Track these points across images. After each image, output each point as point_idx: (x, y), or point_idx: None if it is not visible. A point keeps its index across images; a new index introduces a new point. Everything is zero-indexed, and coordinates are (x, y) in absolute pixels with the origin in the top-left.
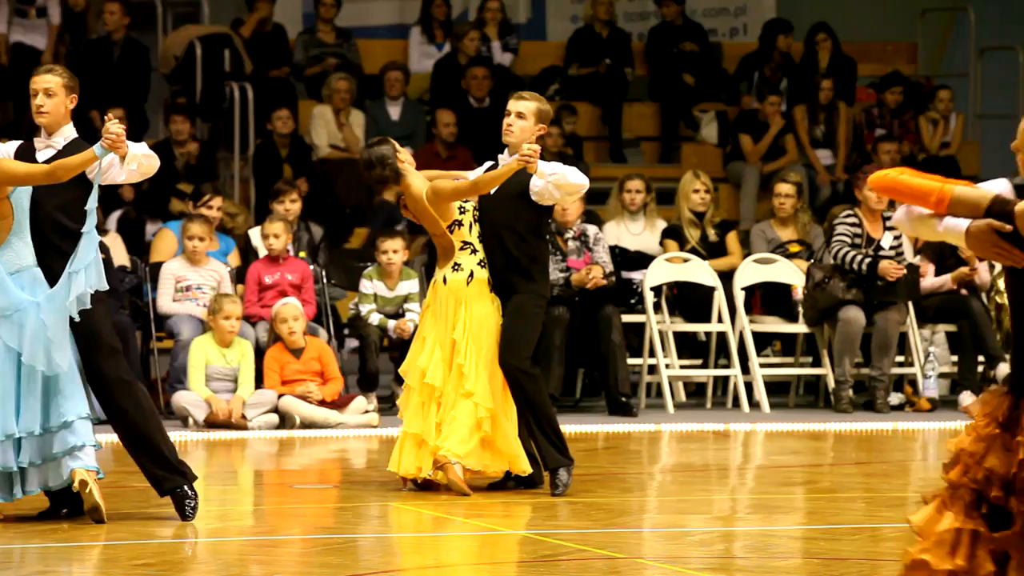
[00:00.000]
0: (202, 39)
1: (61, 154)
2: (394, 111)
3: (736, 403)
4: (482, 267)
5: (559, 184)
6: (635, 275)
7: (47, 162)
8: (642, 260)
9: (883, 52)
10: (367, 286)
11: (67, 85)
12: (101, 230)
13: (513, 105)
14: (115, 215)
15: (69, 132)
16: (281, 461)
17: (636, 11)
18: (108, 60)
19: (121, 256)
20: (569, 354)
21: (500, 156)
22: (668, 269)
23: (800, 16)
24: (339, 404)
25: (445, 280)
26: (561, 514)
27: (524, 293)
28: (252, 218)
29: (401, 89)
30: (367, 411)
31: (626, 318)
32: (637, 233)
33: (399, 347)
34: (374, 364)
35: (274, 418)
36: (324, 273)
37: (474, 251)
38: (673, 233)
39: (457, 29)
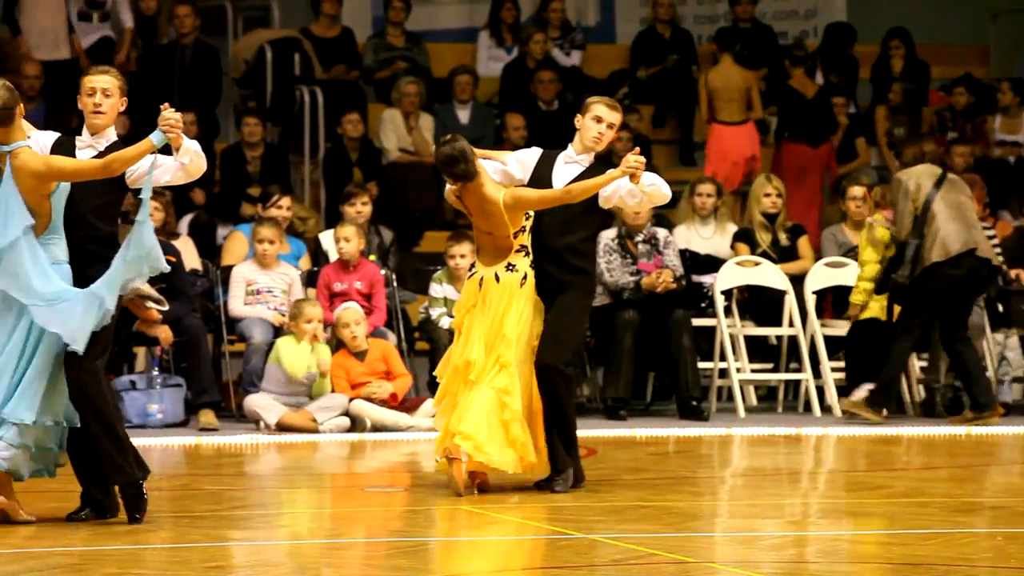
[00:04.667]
0: (272, 43)
1: (103, 155)
2: (463, 114)
3: (807, 407)
4: (532, 268)
5: (653, 194)
6: (705, 279)
7: None
8: (712, 264)
9: (955, 55)
10: (437, 290)
11: (122, 87)
12: (173, 233)
13: (607, 114)
14: (186, 219)
15: (111, 135)
16: (352, 464)
17: (706, 13)
18: (179, 64)
19: (192, 259)
20: (639, 357)
21: (565, 153)
22: (739, 273)
23: (871, 19)
24: (409, 407)
25: (498, 278)
26: (631, 518)
27: (575, 290)
28: (323, 222)
29: (470, 92)
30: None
31: (696, 322)
32: (707, 237)
33: None
34: None
35: (345, 421)
36: (394, 277)
37: (528, 253)
38: (744, 237)
39: (524, 32)
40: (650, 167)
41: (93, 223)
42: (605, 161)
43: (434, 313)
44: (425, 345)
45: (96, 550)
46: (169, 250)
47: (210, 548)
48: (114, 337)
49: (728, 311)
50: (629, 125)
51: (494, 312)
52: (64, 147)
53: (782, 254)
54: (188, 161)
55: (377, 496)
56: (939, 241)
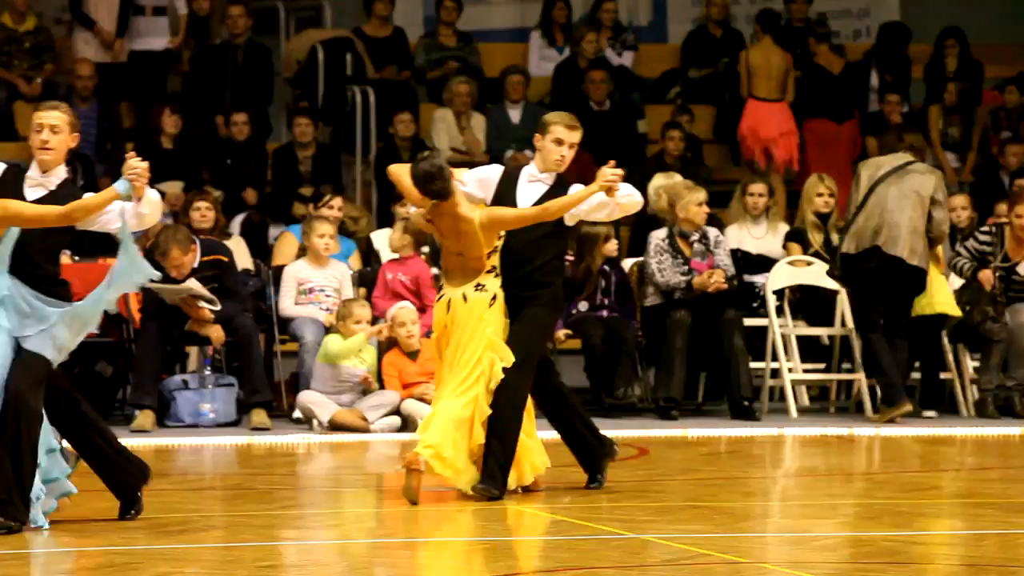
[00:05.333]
0: (324, 43)
1: (54, 194)
2: (515, 114)
3: (860, 407)
4: (502, 290)
5: (628, 205)
6: (757, 279)
7: (38, 202)
8: (764, 263)
9: (1009, 54)
10: None
11: (72, 123)
12: (224, 233)
13: (567, 135)
14: (238, 219)
15: (61, 172)
16: None
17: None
18: (231, 64)
19: (244, 259)
20: (691, 357)
21: (528, 171)
22: (791, 273)
23: (925, 17)
24: None
25: (465, 298)
26: (683, 518)
27: (539, 303)
28: (374, 222)
29: (522, 92)
30: None
31: (748, 321)
32: (759, 237)
33: None
34: None
35: (396, 420)
36: None
37: (497, 274)
38: (796, 236)
39: (576, 33)
40: (702, 167)
41: (40, 263)
42: (569, 179)
43: None
44: None
45: (149, 549)
46: (220, 250)
47: (262, 548)
48: (167, 336)
49: (780, 311)
50: (681, 125)
51: (461, 332)
52: (11, 180)
53: (834, 254)
54: (148, 211)
55: (428, 496)
56: (852, 233)
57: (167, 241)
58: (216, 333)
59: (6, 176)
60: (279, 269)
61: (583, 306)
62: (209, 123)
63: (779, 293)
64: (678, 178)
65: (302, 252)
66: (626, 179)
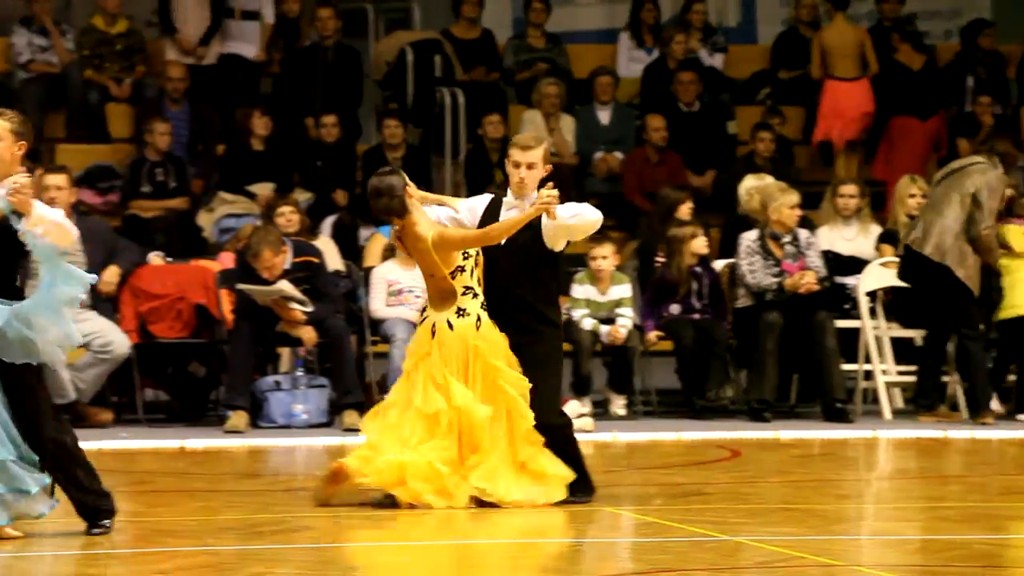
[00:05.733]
0: (413, 45)
1: None
2: (604, 116)
3: (955, 409)
4: (484, 310)
5: (577, 225)
6: (848, 280)
7: None
8: (855, 265)
9: None
10: (579, 291)
11: (15, 131)
12: (313, 232)
13: (522, 156)
14: (329, 220)
15: (9, 184)
16: None
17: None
18: (321, 66)
19: (335, 261)
20: (783, 359)
21: (506, 199)
22: (883, 274)
23: (1017, 17)
24: None
25: (451, 325)
26: (776, 520)
27: (544, 342)
28: None
29: (611, 94)
30: (581, 415)
31: (840, 323)
32: (850, 238)
33: (611, 352)
34: (587, 368)
35: None
36: None
37: (476, 295)
38: (889, 238)
39: (665, 33)
40: (792, 168)
41: None
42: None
43: (576, 314)
44: (568, 346)
45: (242, 549)
46: (312, 251)
47: (353, 548)
48: (260, 337)
49: (873, 312)
50: (771, 126)
51: (454, 362)
52: None
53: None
54: (42, 231)
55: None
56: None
57: (258, 243)
58: (308, 334)
59: None
60: (369, 270)
61: (675, 308)
62: (299, 125)
63: (872, 294)
64: (770, 180)
65: (389, 253)
66: (716, 180)
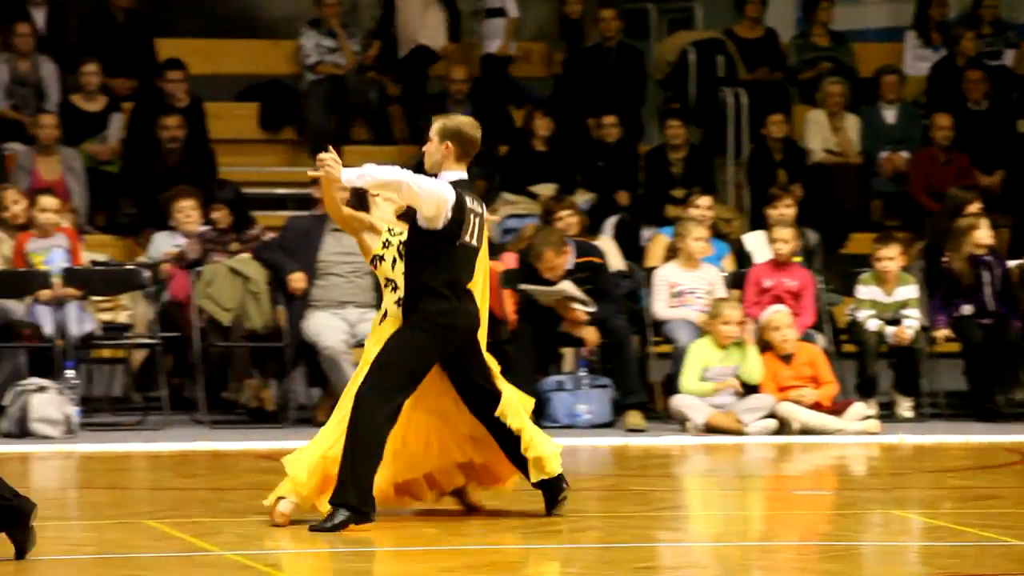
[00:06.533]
0: (696, 44)
1: None
2: (889, 115)
3: None
4: (398, 306)
5: (371, 184)
6: None
7: None
8: None
9: None
10: (863, 292)
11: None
12: (593, 232)
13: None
14: (611, 220)
15: None
16: (779, 466)
17: None
18: (604, 66)
19: (617, 261)
20: None
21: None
22: None
23: None
24: (837, 410)
25: (386, 315)
26: None
27: (404, 327)
28: (747, 224)
29: (897, 92)
30: (866, 417)
31: None
32: None
33: (898, 353)
34: (873, 370)
35: (772, 423)
36: (822, 279)
37: (395, 288)
38: None
39: (954, 31)
40: None
41: None
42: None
43: (861, 315)
44: (852, 348)
45: (528, 548)
46: (594, 252)
47: (639, 548)
48: (542, 338)
49: None
50: None
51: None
52: None
53: None
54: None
55: (805, 499)
56: None
57: (540, 243)
58: (590, 335)
59: None
60: (651, 271)
61: (967, 309)
62: (582, 127)
63: None
64: None
65: (672, 254)
66: (1005, 180)
